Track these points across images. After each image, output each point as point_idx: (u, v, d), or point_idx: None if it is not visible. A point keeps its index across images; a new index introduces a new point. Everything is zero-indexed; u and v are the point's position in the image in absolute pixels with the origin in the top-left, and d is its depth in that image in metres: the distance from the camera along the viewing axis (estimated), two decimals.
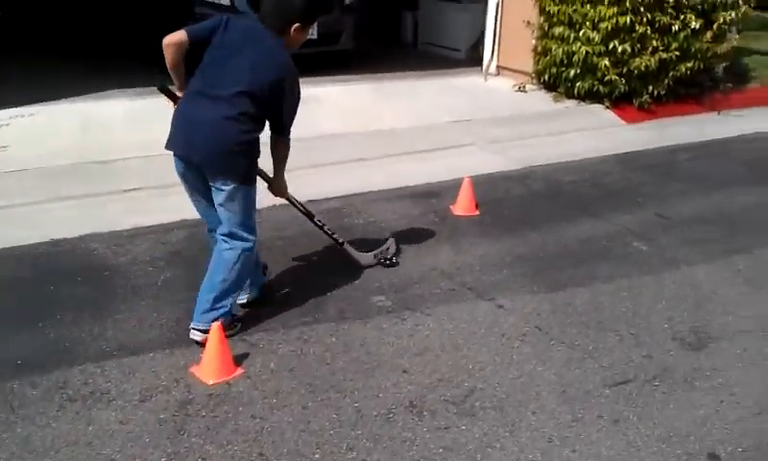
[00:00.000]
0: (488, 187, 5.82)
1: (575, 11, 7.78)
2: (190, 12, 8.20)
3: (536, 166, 6.46)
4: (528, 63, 8.67)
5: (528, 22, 8.48)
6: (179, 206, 4.35)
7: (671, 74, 8.10)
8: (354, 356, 3.52)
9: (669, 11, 7.82)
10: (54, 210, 4.98)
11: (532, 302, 4.11)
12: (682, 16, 7.91)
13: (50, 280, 4.07)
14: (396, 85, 8.57)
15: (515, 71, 8.99)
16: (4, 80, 7.32)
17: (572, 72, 7.96)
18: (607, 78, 7.79)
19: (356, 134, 6.78)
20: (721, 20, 8.09)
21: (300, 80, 3.46)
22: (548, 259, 4.67)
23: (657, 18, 7.76)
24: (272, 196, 3.87)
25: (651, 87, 8.09)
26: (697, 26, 7.96)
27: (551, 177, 6.24)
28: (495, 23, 9.14)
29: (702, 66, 8.31)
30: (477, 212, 5.37)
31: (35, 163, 5.50)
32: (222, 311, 3.48)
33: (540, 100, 8.31)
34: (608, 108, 8.05)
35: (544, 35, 8.27)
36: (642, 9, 7.61)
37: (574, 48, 7.82)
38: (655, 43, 7.81)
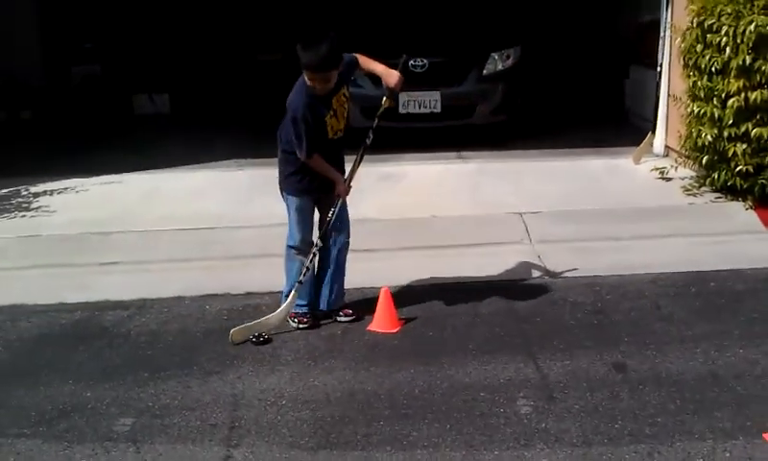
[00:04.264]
0: (455, 300, 4.94)
1: (697, 83, 6.16)
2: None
3: (558, 280, 5.23)
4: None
5: (675, 96, 6.92)
6: None
7: None
8: None
9: None
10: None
11: None
12: None
13: None
14: (510, 166, 7.71)
15: (681, 154, 7.36)
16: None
17: (704, 159, 6.28)
18: (739, 168, 5.96)
19: (387, 222, 6.25)
20: None
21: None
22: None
23: None
24: None
25: None
26: None
27: (548, 297, 4.99)
28: (658, 92, 7.63)
29: None
30: (396, 330, 4.58)
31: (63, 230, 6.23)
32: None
33: (671, 192, 6.69)
34: (750, 207, 6.14)
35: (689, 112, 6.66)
36: None
37: (703, 129, 6.16)
38: None
